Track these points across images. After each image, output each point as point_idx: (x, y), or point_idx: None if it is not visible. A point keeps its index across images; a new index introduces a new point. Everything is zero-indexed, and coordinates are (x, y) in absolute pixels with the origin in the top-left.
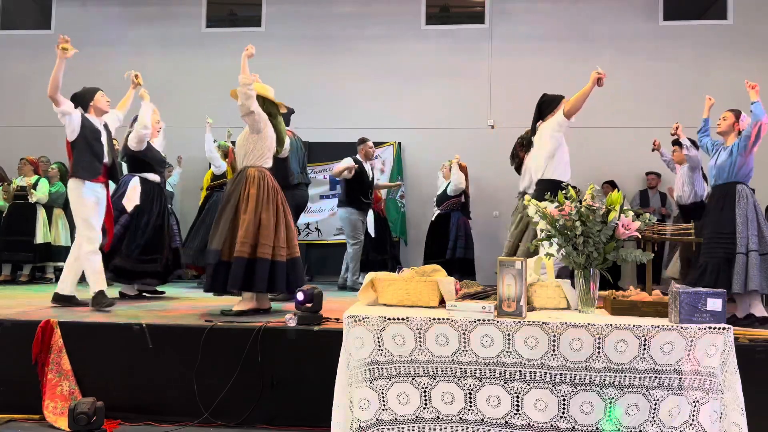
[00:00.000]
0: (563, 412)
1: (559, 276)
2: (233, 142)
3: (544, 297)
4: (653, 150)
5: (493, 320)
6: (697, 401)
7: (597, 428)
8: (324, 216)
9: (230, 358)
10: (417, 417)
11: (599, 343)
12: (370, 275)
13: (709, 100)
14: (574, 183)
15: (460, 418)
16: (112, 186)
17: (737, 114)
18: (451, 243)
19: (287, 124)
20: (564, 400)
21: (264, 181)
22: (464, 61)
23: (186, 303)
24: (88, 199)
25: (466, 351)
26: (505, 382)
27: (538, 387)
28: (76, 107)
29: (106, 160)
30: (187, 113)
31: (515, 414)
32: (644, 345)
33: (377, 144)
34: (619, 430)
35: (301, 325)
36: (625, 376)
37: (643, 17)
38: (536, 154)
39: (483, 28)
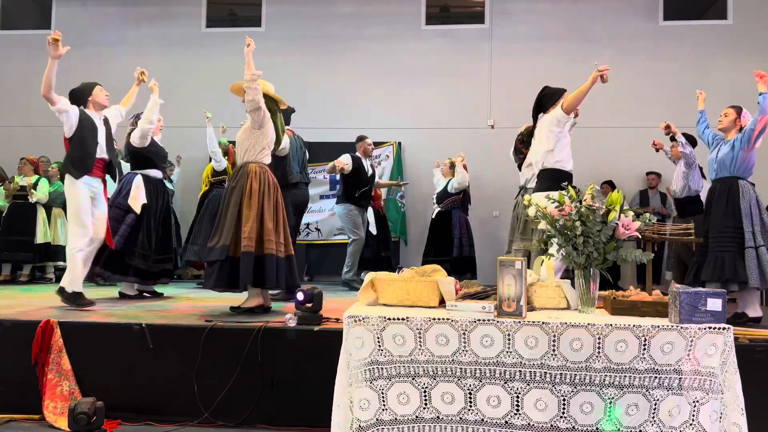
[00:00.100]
0: (563, 412)
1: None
2: (231, 142)
3: (544, 297)
4: (657, 150)
5: (493, 320)
6: (697, 401)
7: (597, 428)
8: (324, 216)
9: (230, 358)
10: (417, 417)
11: (599, 343)
12: (370, 275)
13: (700, 94)
14: (574, 183)
15: (460, 418)
16: (112, 184)
17: (738, 110)
18: (457, 241)
19: (287, 123)
20: (564, 400)
21: (265, 176)
22: (464, 61)
23: (186, 303)
24: (82, 194)
25: (466, 351)
26: (505, 382)
27: (538, 387)
28: (74, 103)
29: (104, 155)
30: (187, 113)
31: (515, 414)
32: (644, 345)
33: (377, 144)
34: (619, 430)
35: (301, 325)
36: (625, 376)
37: (643, 17)
38: (536, 149)
39: (483, 28)
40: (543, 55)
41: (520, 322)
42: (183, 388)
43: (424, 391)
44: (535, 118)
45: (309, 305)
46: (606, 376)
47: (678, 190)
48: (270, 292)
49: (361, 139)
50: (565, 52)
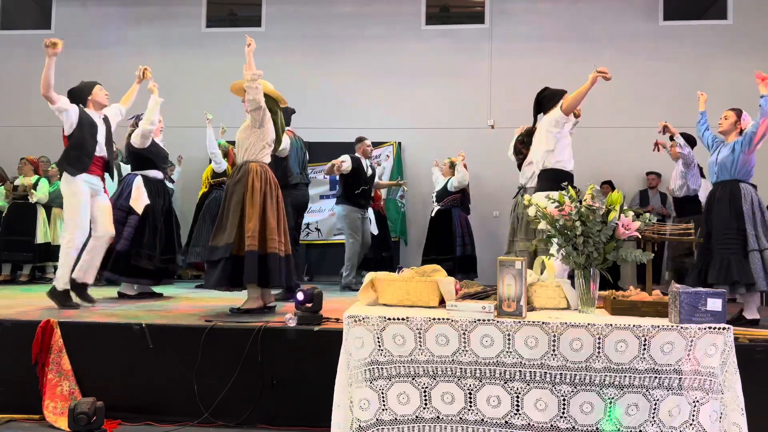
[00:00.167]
0: (563, 412)
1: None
2: (230, 142)
3: (544, 297)
4: (658, 150)
5: (493, 320)
6: (697, 401)
7: (597, 428)
8: (324, 216)
9: (230, 358)
10: (417, 417)
11: (599, 343)
12: (370, 275)
13: (702, 95)
14: (574, 183)
15: (460, 418)
16: (111, 184)
17: (738, 113)
18: (459, 240)
19: (288, 124)
20: (564, 400)
21: (266, 175)
22: (464, 61)
23: (186, 303)
24: (81, 193)
25: (466, 351)
26: (505, 382)
27: (538, 387)
28: (74, 102)
29: (103, 153)
30: (187, 113)
31: (515, 414)
32: (644, 345)
33: (377, 144)
34: (619, 430)
35: (301, 325)
36: (625, 376)
37: (643, 17)
38: (536, 149)
39: (483, 28)
40: (543, 55)
41: (520, 322)
42: (183, 388)
43: (424, 391)
44: (536, 119)
45: (309, 305)
46: (606, 376)
47: (676, 189)
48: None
49: (360, 140)
50: (565, 52)
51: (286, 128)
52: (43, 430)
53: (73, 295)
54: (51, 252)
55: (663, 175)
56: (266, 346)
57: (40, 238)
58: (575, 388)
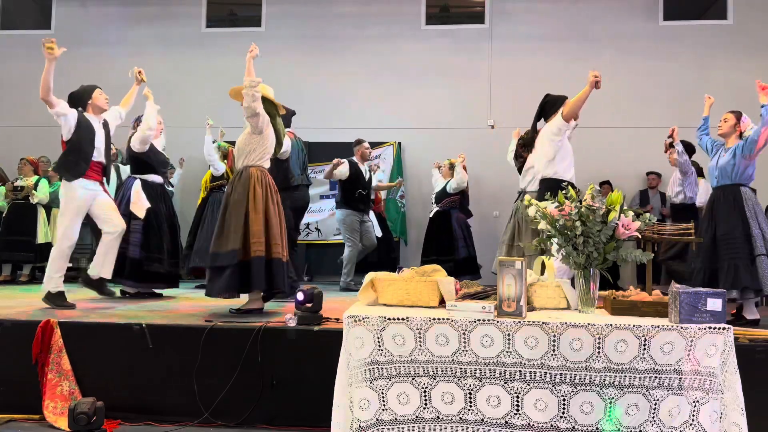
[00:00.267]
0: (563, 412)
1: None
2: (230, 142)
3: (544, 297)
4: (666, 151)
5: (493, 320)
6: (697, 401)
7: (597, 428)
8: (324, 216)
9: (230, 358)
10: (417, 417)
11: (599, 343)
12: (370, 275)
13: (708, 99)
14: (574, 183)
15: (460, 418)
16: (110, 186)
17: (738, 115)
18: (461, 241)
19: (288, 126)
20: (564, 400)
21: (267, 180)
22: (464, 61)
23: (186, 303)
24: (77, 199)
25: (466, 351)
26: (505, 382)
27: (538, 387)
28: (74, 106)
29: (101, 159)
30: (187, 113)
31: (515, 414)
32: (644, 345)
33: (377, 144)
34: (619, 430)
35: (301, 325)
36: (625, 376)
37: (643, 17)
38: (538, 157)
39: (483, 28)
40: (543, 55)
41: (520, 322)
42: (183, 388)
43: (424, 391)
44: (535, 125)
45: (309, 305)
46: (606, 376)
47: (673, 195)
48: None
49: (358, 142)
50: (565, 52)
51: (287, 130)
52: (43, 430)
53: (72, 295)
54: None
55: (663, 175)
56: (266, 346)
57: (40, 239)
58: (575, 388)
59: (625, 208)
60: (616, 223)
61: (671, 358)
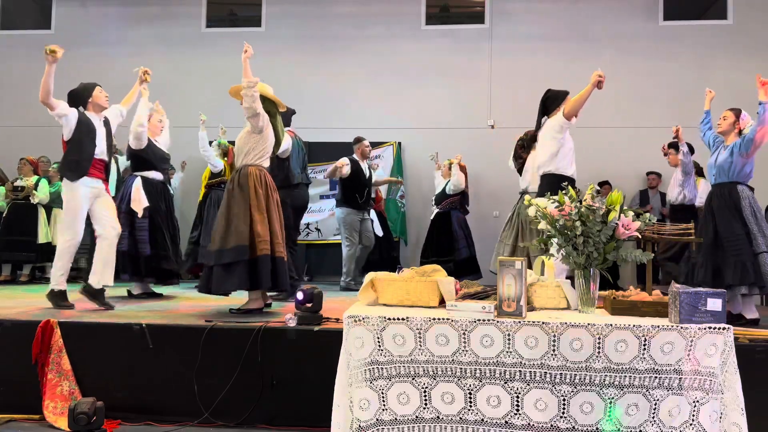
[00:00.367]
0: (563, 412)
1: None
2: (231, 142)
3: (544, 297)
4: (665, 154)
5: (493, 320)
6: (697, 401)
7: (597, 428)
8: (324, 216)
9: (230, 358)
10: (417, 417)
11: (599, 343)
12: (370, 275)
13: (709, 93)
14: (575, 178)
15: (460, 418)
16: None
17: (737, 113)
18: (463, 241)
19: (288, 125)
20: (564, 400)
21: (266, 179)
22: (464, 61)
23: (186, 303)
24: (80, 197)
25: (466, 351)
26: (505, 382)
27: (538, 387)
28: (74, 104)
29: (104, 157)
30: (187, 113)
31: (515, 414)
32: (644, 345)
33: (377, 144)
34: (619, 430)
35: (301, 325)
36: (625, 376)
37: (643, 17)
38: (539, 153)
39: (483, 28)
40: (543, 55)
41: (520, 322)
42: (183, 388)
43: (424, 391)
44: (539, 122)
45: (309, 305)
46: (606, 376)
47: (673, 197)
48: (270, 292)
49: (358, 140)
50: (565, 52)
51: (287, 129)
52: (43, 430)
53: (75, 298)
54: (51, 252)
55: (663, 175)
56: (266, 346)
57: (41, 238)
58: (575, 388)
59: (625, 208)
60: (616, 223)
61: (671, 358)
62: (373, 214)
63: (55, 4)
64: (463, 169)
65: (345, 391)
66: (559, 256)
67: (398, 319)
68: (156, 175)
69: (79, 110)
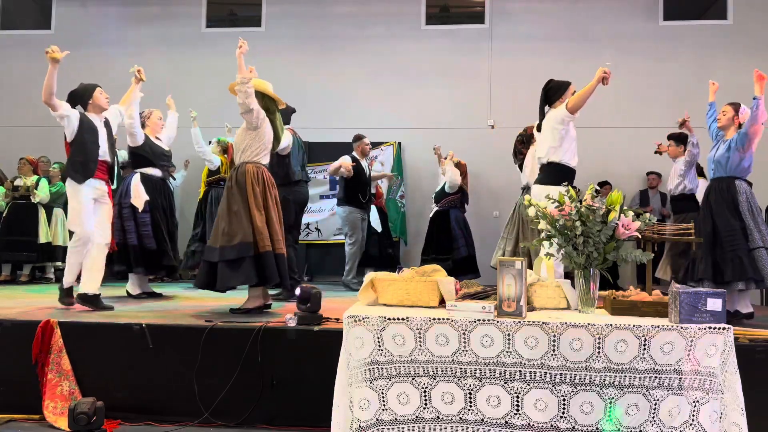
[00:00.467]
0: (563, 412)
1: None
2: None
3: (544, 297)
4: (660, 154)
5: (493, 320)
6: (697, 401)
7: (597, 428)
8: (324, 216)
9: (230, 358)
10: (417, 417)
11: (599, 343)
12: (370, 275)
13: (713, 85)
14: (574, 183)
15: (460, 418)
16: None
17: (737, 107)
18: (462, 240)
19: (287, 123)
20: (564, 400)
21: (264, 176)
22: (464, 61)
23: (186, 303)
24: (85, 197)
25: (466, 351)
26: (505, 382)
27: (538, 387)
28: (74, 105)
29: (106, 158)
30: (186, 113)
31: (515, 414)
32: (644, 345)
33: (377, 144)
34: (619, 430)
35: (301, 325)
36: (625, 376)
37: (643, 17)
38: (541, 144)
39: (483, 28)
40: (543, 55)
41: (520, 322)
42: (183, 388)
43: (424, 391)
44: (542, 111)
45: (308, 305)
46: (606, 376)
47: (673, 188)
48: (270, 291)
49: (358, 138)
50: (565, 52)
51: (287, 126)
52: (43, 430)
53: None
54: (51, 252)
55: (663, 175)
56: (266, 346)
57: (42, 238)
58: (575, 388)
59: (625, 208)
60: (616, 223)
61: (671, 358)
62: (372, 209)
63: (55, 4)
64: (462, 166)
65: (345, 391)
66: (559, 256)
67: (398, 319)
68: (155, 171)
69: (80, 112)
